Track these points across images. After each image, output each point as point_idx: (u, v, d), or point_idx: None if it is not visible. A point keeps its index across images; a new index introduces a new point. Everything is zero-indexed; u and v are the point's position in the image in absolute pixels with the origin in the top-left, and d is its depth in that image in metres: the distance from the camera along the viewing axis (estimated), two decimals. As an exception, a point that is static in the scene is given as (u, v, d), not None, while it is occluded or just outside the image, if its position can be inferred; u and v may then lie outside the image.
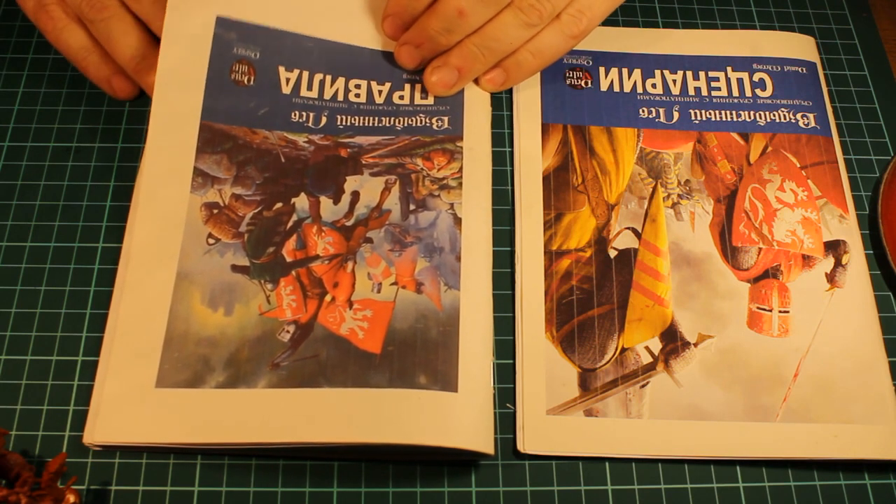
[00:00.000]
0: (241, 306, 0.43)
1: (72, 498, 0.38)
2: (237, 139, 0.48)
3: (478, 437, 0.41)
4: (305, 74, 0.50)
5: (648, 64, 0.55)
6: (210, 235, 0.45)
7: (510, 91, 0.54)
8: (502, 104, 0.53)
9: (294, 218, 0.46)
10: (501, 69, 0.50)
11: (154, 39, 0.49)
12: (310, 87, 0.50)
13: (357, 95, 0.50)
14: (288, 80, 0.50)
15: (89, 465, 0.42)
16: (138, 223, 0.45)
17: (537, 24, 0.47)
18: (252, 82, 0.49)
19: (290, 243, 0.46)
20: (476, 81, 0.51)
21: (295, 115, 0.49)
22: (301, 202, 0.47)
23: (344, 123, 0.49)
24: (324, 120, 0.49)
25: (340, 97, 0.50)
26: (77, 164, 0.50)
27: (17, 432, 0.42)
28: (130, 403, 0.41)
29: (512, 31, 0.47)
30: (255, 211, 0.46)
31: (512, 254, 0.48)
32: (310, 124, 0.49)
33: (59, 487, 0.39)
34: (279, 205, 0.47)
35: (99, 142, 0.51)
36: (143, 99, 0.52)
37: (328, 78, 0.50)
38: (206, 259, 0.44)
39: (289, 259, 0.45)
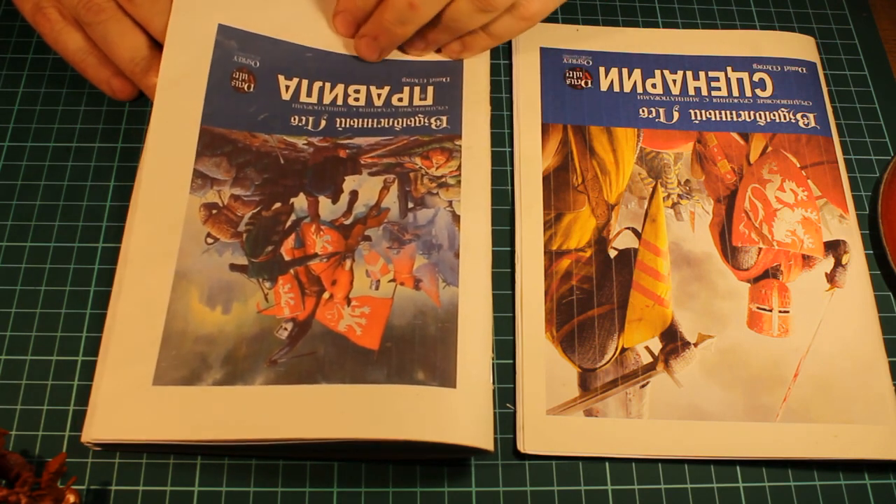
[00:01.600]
0: (240, 304, 0.44)
1: (72, 498, 0.38)
2: (237, 143, 0.48)
3: (477, 433, 0.41)
4: (305, 82, 0.51)
5: (648, 64, 0.55)
6: (209, 235, 0.45)
7: (510, 91, 0.54)
8: (502, 104, 0.53)
9: (293, 217, 0.46)
10: (460, 42, 0.52)
11: (151, 41, 0.49)
12: (309, 94, 0.50)
13: (356, 100, 0.51)
14: (287, 87, 0.50)
15: (89, 465, 0.42)
16: (137, 222, 0.45)
17: (492, 11, 0.48)
18: (252, 89, 0.50)
19: (289, 242, 0.46)
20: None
21: (294, 119, 0.50)
22: (300, 202, 0.47)
23: (343, 126, 0.50)
24: (323, 123, 0.50)
25: (340, 102, 0.51)
26: (77, 164, 0.50)
27: (17, 432, 0.42)
28: (127, 401, 0.41)
29: (467, 17, 0.49)
30: (254, 211, 0.46)
31: (512, 254, 0.48)
32: (309, 127, 0.49)
33: (59, 487, 0.39)
34: (278, 205, 0.47)
35: (99, 142, 0.51)
36: (142, 99, 0.52)
37: (327, 85, 0.51)
38: (205, 258, 0.44)
39: (287, 258, 0.45)
